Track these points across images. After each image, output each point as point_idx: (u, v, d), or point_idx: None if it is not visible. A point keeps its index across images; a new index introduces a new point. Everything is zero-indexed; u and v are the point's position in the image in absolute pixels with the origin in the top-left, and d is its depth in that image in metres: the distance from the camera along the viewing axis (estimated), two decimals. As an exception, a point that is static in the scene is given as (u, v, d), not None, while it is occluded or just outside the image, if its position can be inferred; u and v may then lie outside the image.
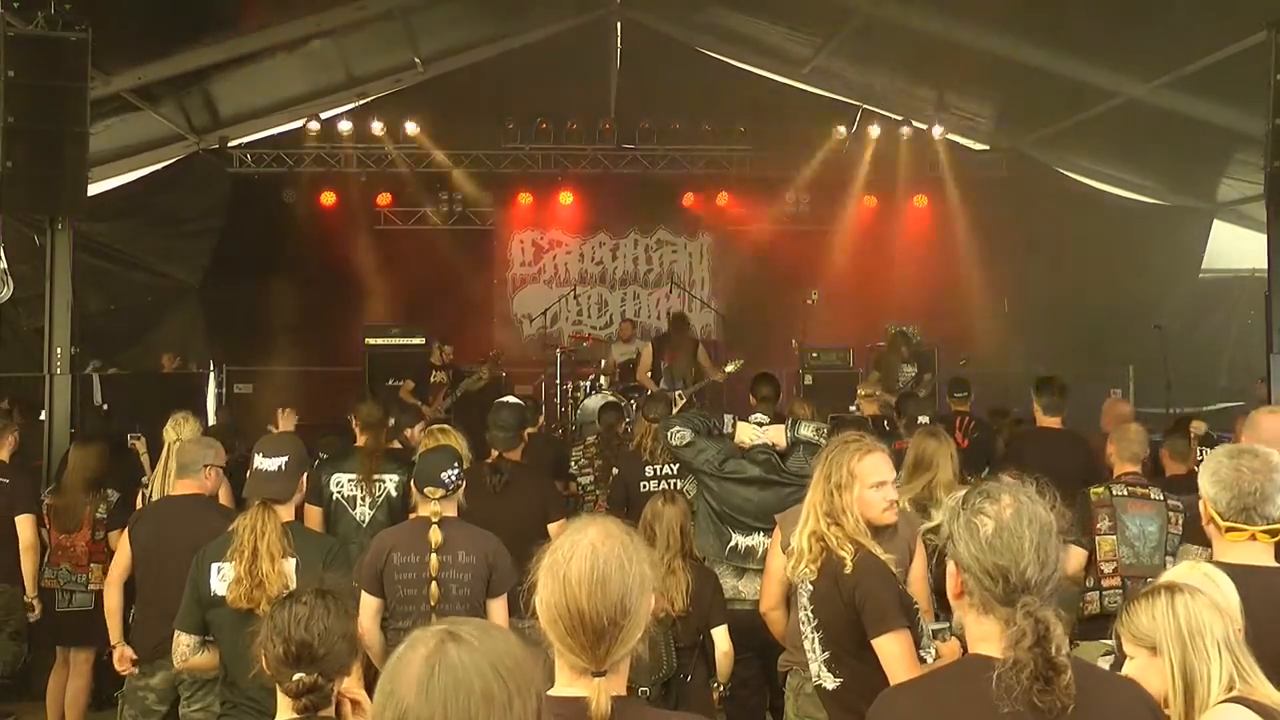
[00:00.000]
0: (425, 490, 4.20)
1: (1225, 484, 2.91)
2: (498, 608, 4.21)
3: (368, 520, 5.36)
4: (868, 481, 3.37)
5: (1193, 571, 2.76)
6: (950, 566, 2.07)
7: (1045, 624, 1.90)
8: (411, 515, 4.74)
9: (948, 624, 3.62)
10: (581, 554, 1.92)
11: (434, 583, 4.05)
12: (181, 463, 4.79)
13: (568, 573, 1.91)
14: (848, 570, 3.23)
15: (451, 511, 4.27)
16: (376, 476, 5.45)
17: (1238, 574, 2.76)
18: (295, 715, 2.63)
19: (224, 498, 5.64)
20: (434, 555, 4.07)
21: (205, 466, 4.76)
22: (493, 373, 11.02)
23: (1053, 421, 6.67)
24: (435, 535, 4.09)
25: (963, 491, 2.14)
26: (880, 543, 3.37)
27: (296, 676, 2.60)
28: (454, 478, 4.24)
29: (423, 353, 11.24)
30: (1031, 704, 1.88)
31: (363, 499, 5.42)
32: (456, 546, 4.15)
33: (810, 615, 3.38)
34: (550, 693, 1.91)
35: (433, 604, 4.04)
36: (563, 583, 1.91)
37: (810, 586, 3.36)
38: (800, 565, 3.37)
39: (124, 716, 4.88)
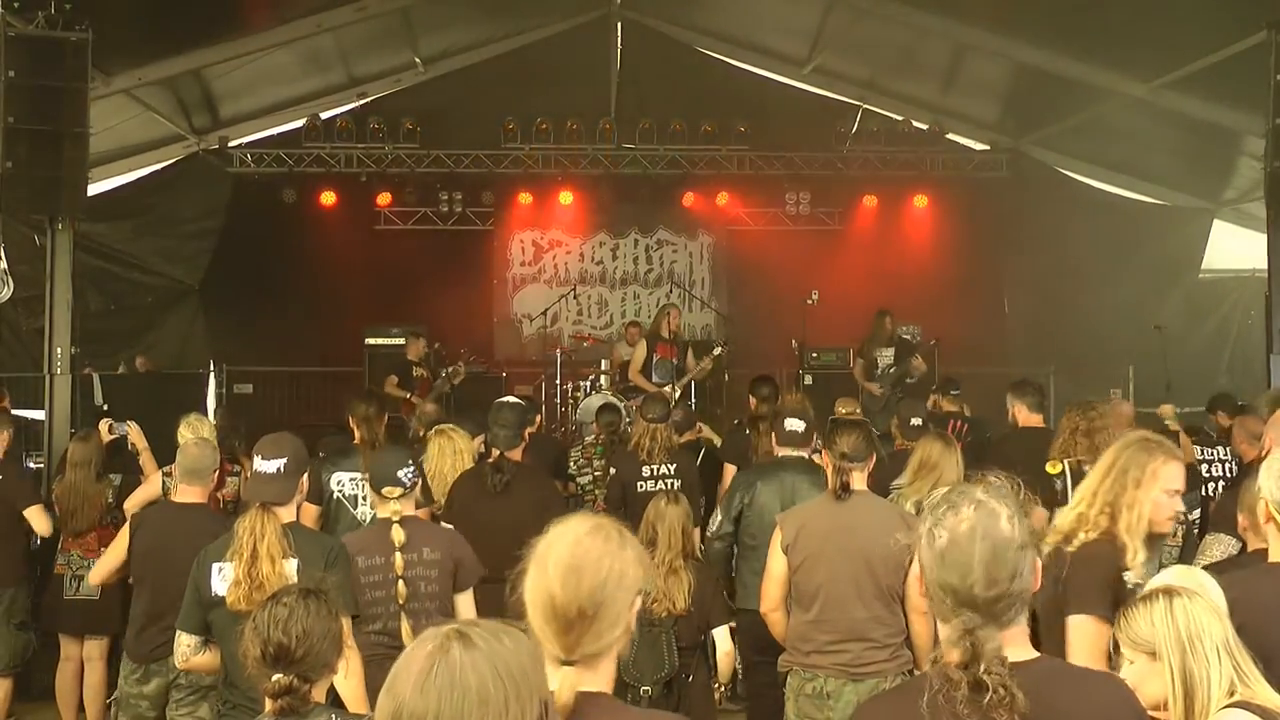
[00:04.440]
0: (383, 490, 4.19)
1: None
2: (465, 601, 4.23)
3: (369, 519, 5.29)
4: (1166, 486, 3.30)
5: (1187, 577, 2.76)
6: (917, 569, 2.10)
7: (978, 643, 1.91)
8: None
9: None
10: (564, 542, 1.98)
11: (400, 581, 4.04)
12: (190, 469, 4.71)
13: (547, 558, 1.97)
14: (1072, 547, 3.21)
15: (410, 510, 4.26)
16: None
17: None
18: (272, 716, 2.65)
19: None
20: (399, 554, 4.06)
21: (213, 471, 4.78)
22: (466, 369, 11.09)
23: (1035, 421, 6.69)
24: (398, 534, 4.08)
25: (940, 493, 2.11)
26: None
27: (275, 678, 2.62)
28: (410, 475, 4.23)
29: (402, 351, 11.24)
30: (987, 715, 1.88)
31: (363, 498, 5.38)
32: (420, 544, 4.16)
33: None
34: None
35: (401, 602, 4.03)
36: (541, 568, 1.96)
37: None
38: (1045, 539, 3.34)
39: None
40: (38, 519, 6.06)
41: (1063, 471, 5.35)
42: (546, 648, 1.95)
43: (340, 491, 5.43)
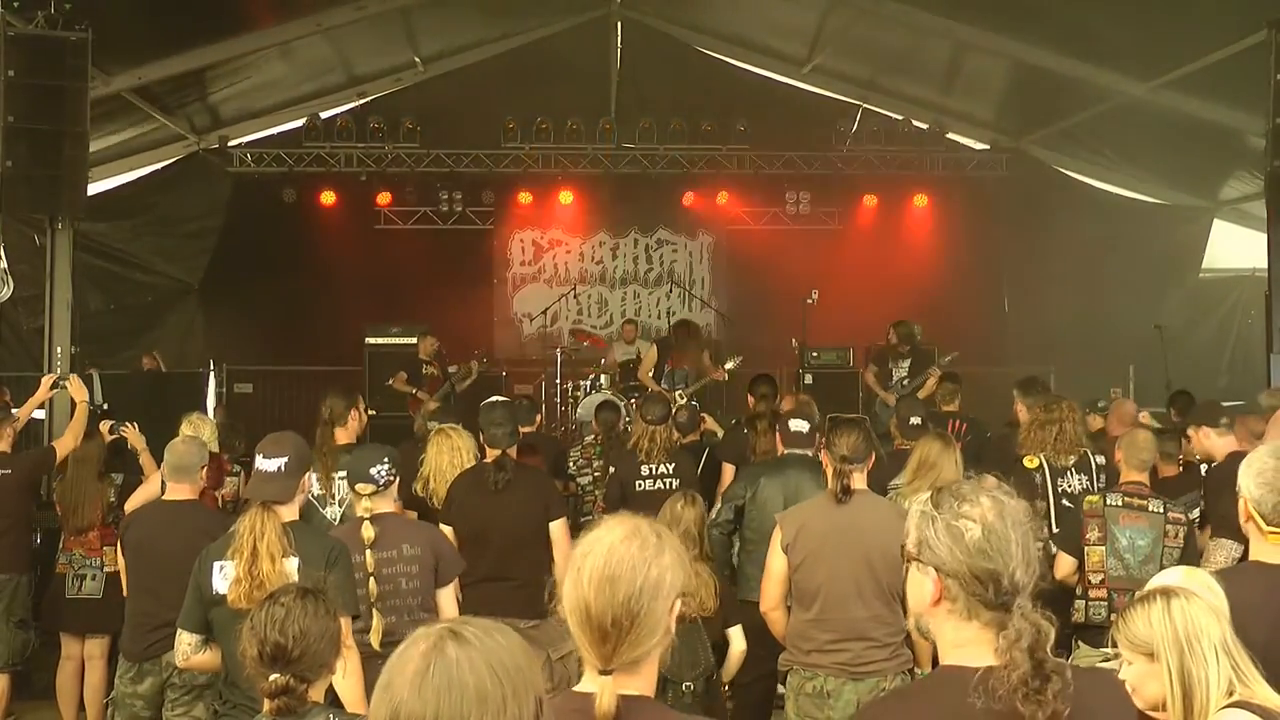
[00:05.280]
0: (357, 488, 4.19)
1: (1272, 488, 2.92)
2: (447, 596, 4.24)
3: (339, 519, 5.26)
4: None
5: (1189, 577, 2.76)
6: (929, 573, 1.93)
7: (1038, 628, 1.84)
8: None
9: None
10: (599, 551, 1.94)
11: (371, 579, 4.02)
12: (178, 465, 4.70)
13: (582, 568, 1.93)
14: None
15: (386, 507, 4.25)
16: (335, 474, 5.31)
17: (1275, 573, 2.84)
18: (270, 716, 2.64)
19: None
20: (369, 552, 4.05)
21: (201, 468, 4.77)
22: (479, 371, 11.07)
23: None
24: (368, 532, 4.07)
25: (925, 495, 2.02)
26: None
27: (272, 678, 2.62)
28: (384, 473, 4.21)
29: (414, 350, 11.24)
30: (1014, 710, 1.78)
31: (329, 498, 5.33)
32: (399, 540, 4.16)
33: None
34: (575, 688, 1.96)
35: (372, 600, 4.01)
36: (577, 577, 1.93)
37: None
38: None
39: None
40: (69, 437, 6.16)
41: (1040, 466, 5.54)
42: (585, 656, 1.93)
43: (309, 493, 5.40)
